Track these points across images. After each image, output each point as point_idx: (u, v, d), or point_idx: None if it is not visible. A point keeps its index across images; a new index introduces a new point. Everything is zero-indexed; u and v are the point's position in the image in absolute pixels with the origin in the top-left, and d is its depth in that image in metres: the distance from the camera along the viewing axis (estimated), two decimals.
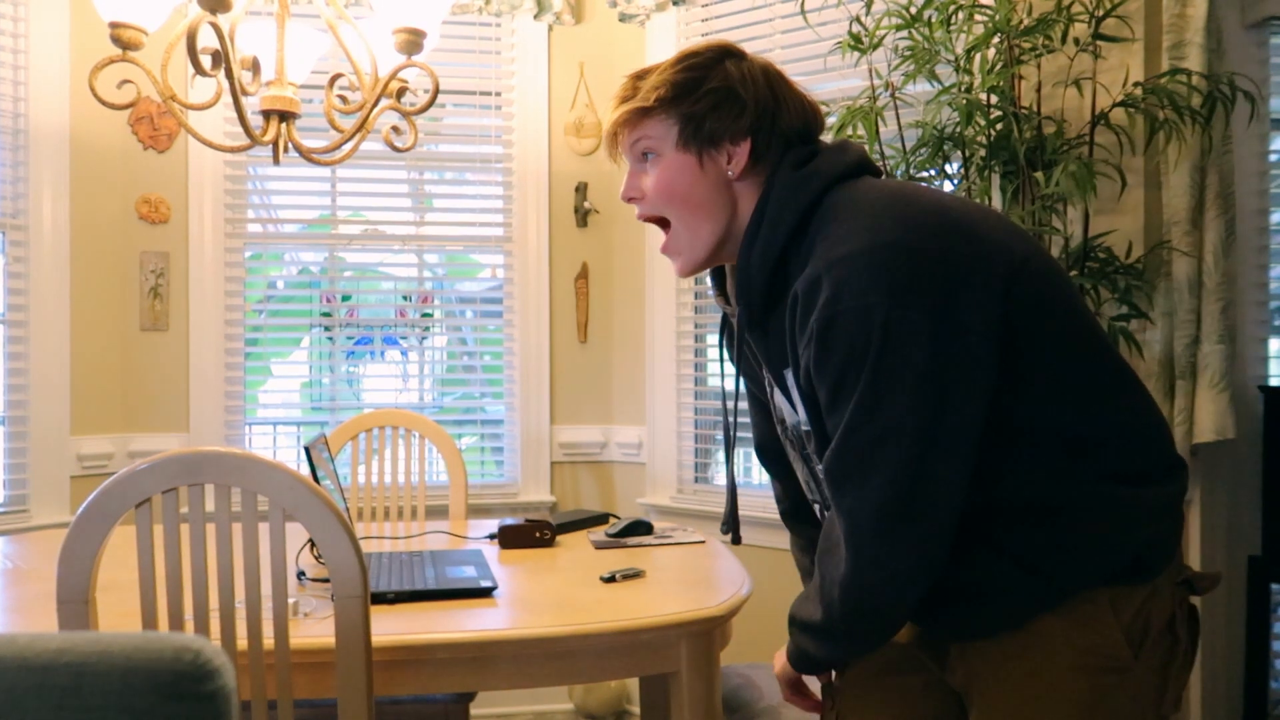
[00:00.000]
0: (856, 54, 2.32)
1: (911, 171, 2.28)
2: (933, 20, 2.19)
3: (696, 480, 3.19)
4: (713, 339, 3.16)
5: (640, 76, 1.25)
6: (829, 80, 2.76)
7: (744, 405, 1.46)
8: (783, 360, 1.20)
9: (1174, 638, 1.14)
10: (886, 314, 1.03)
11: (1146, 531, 1.12)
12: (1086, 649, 1.11)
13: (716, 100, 1.20)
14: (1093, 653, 1.11)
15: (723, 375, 1.41)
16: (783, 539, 2.80)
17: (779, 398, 1.28)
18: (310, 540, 1.97)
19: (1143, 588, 1.12)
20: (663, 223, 1.27)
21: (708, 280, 1.38)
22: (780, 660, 1.36)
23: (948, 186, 2.36)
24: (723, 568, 1.98)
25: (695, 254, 1.25)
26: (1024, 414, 1.09)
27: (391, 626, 1.56)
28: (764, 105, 1.21)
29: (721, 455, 3.28)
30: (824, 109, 1.33)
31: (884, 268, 1.04)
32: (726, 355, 1.40)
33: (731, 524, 1.42)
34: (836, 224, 1.11)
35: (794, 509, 1.47)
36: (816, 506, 1.31)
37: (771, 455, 1.44)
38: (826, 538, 1.16)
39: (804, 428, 1.22)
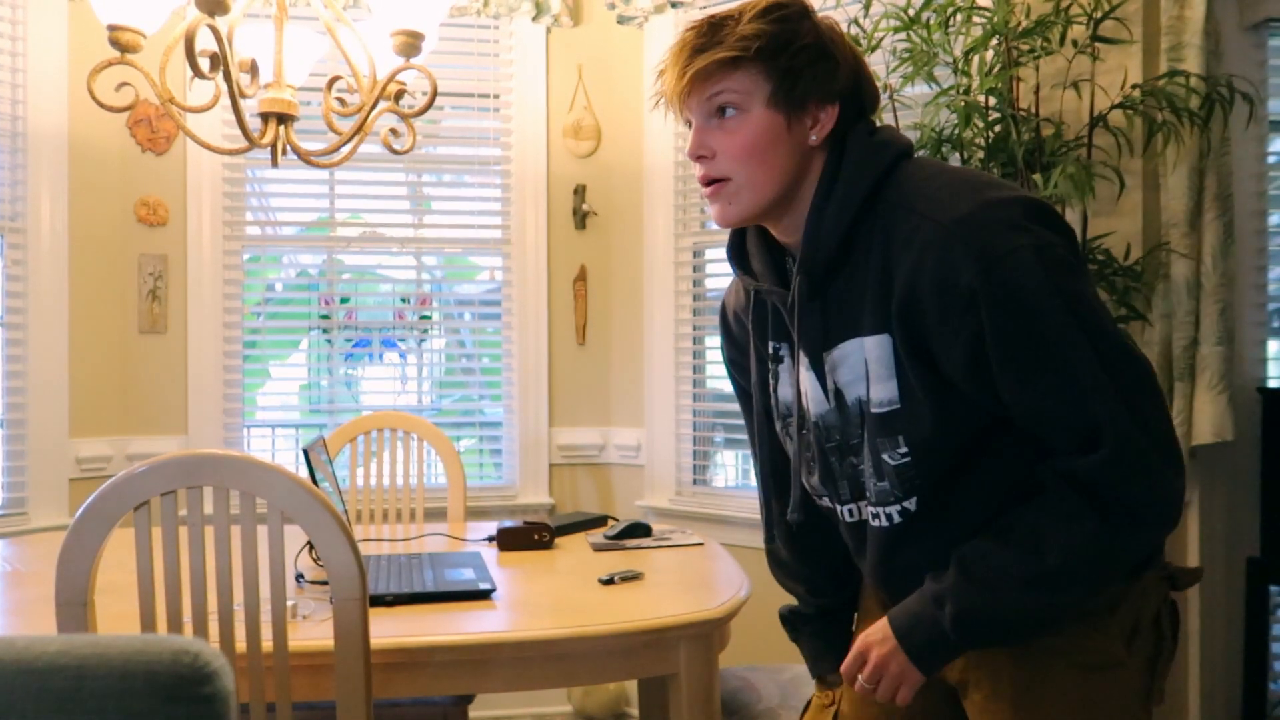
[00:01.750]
0: None
1: None
2: (931, 22, 2.19)
3: (695, 482, 3.18)
4: (711, 340, 3.15)
5: (718, 24, 1.12)
6: None
7: (736, 407, 1.40)
8: (846, 330, 1.13)
9: (1159, 632, 1.15)
10: (1040, 255, 1.00)
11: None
12: (1083, 647, 1.12)
13: (812, 57, 1.11)
14: (1089, 650, 1.12)
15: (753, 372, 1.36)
16: None
17: (809, 381, 1.20)
18: (309, 543, 1.96)
19: (1133, 585, 1.14)
20: (720, 183, 1.15)
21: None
22: (905, 668, 1.13)
23: None
24: (721, 570, 1.97)
25: (750, 208, 1.15)
26: None
27: (390, 629, 1.56)
28: (852, 69, 1.14)
29: (720, 457, 3.28)
30: None
31: (1014, 216, 1.02)
32: (753, 343, 1.32)
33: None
34: (928, 189, 1.08)
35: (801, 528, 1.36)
36: (824, 500, 1.26)
37: (780, 469, 1.35)
38: (1071, 512, 1.05)
39: (829, 420, 1.17)
